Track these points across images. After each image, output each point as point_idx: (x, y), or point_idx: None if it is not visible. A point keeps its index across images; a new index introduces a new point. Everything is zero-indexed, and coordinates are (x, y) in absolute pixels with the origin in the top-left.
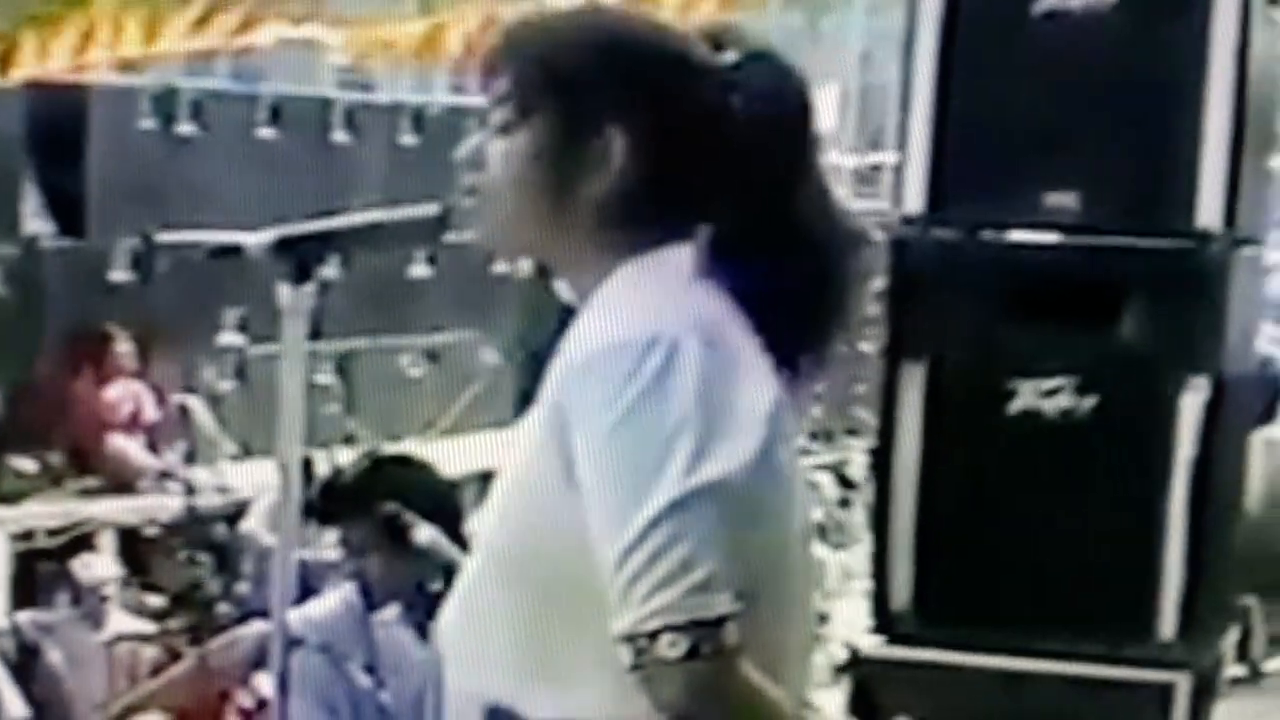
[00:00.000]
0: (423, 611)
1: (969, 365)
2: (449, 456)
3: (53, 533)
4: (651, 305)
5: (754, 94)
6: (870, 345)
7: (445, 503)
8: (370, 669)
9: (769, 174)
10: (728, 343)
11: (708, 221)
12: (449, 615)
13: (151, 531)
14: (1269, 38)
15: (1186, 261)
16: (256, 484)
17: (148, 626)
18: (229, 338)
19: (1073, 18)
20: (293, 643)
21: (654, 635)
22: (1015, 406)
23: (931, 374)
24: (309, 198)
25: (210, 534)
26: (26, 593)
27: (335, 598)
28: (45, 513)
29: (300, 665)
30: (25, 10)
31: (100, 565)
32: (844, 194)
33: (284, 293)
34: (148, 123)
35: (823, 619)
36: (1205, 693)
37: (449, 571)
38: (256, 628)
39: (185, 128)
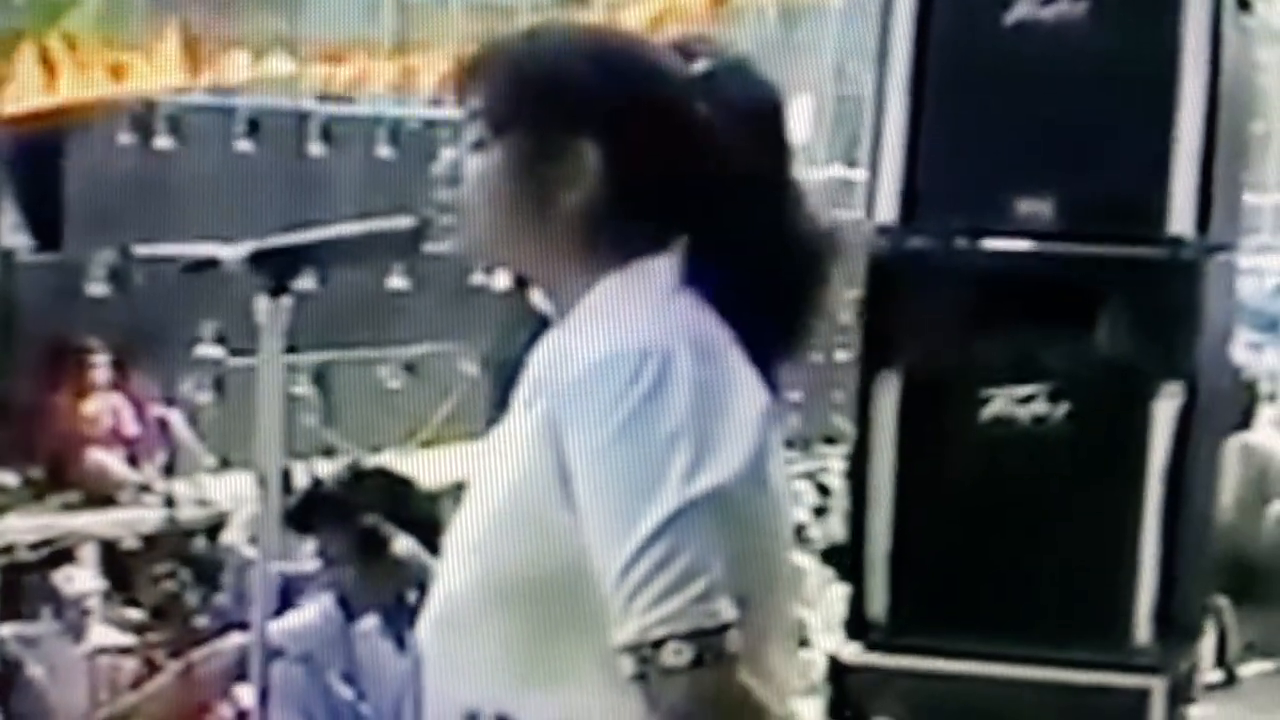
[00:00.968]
0: (401, 622)
1: (943, 373)
2: (428, 468)
3: (33, 546)
4: (639, 318)
5: (727, 104)
6: (846, 353)
7: (424, 514)
8: (350, 679)
9: (744, 184)
10: (717, 352)
11: (684, 232)
12: (431, 625)
13: (131, 545)
14: (1241, 44)
15: (1160, 268)
16: (236, 496)
17: (128, 639)
18: (207, 350)
19: (1045, 27)
20: (273, 654)
21: (658, 644)
22: (989, 413)
23: (906, 382)
24: (286, 210)
25: (190, 547)
26: (7, 607)
27: (315, 609)
28: (25, 527)
29: (280, 676)
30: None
31: (82, 578)
32: (821, 203)
33: (261, 305)
34: (125, 137)
35: (801, 626)
36: (1180, 698)
37: (427, 582)
38: (236, 640)
39: (162, 141)
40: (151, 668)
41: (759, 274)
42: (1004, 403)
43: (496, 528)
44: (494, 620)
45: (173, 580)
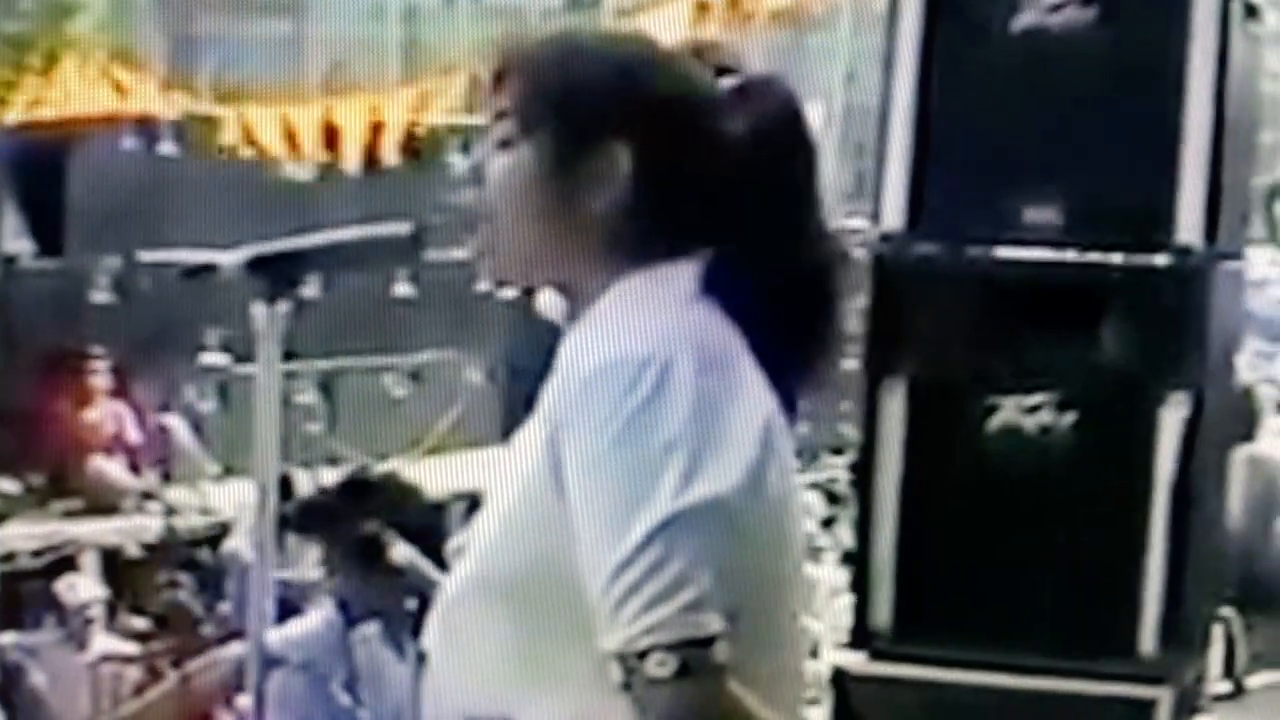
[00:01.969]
0: (401, 629)
1: (950, 381)
2: (433, 476)
3: (35, 554)
4: (646, 324)
5: (756, 120)
6: (853, 362)
7: (424, 522)
8: (350, 687)
9: (769, 195)
10: (722, 362)
11: (709, 240)
12: (434, 629)
13: (134, 553)
14: (1249, 52)
15: (1167, 277)
16: (239, 504)
17: (131, 648)
18: (211, 358)
19: (1051, 34)
20: (274, 662)
21: (644, 654)
22: (996, 422)
23: (912, 390)
24: (292, 217)
25: (193, 555)
26: (9, 614)
27: (316, 617)
28: (27, 534)
29: (281, 684)
30: None
31: (85, 587)
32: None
33: (258, 312)
34: (129, 142)
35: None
36: (1187, 708)
37: (427, 590)
38: (238, 648)
39: (167, 147)
40: (154, 676)
41: (781, 284)
42: (1011, 411)
43: (499, 532)
44: (494, 624)
45: (176, 588)
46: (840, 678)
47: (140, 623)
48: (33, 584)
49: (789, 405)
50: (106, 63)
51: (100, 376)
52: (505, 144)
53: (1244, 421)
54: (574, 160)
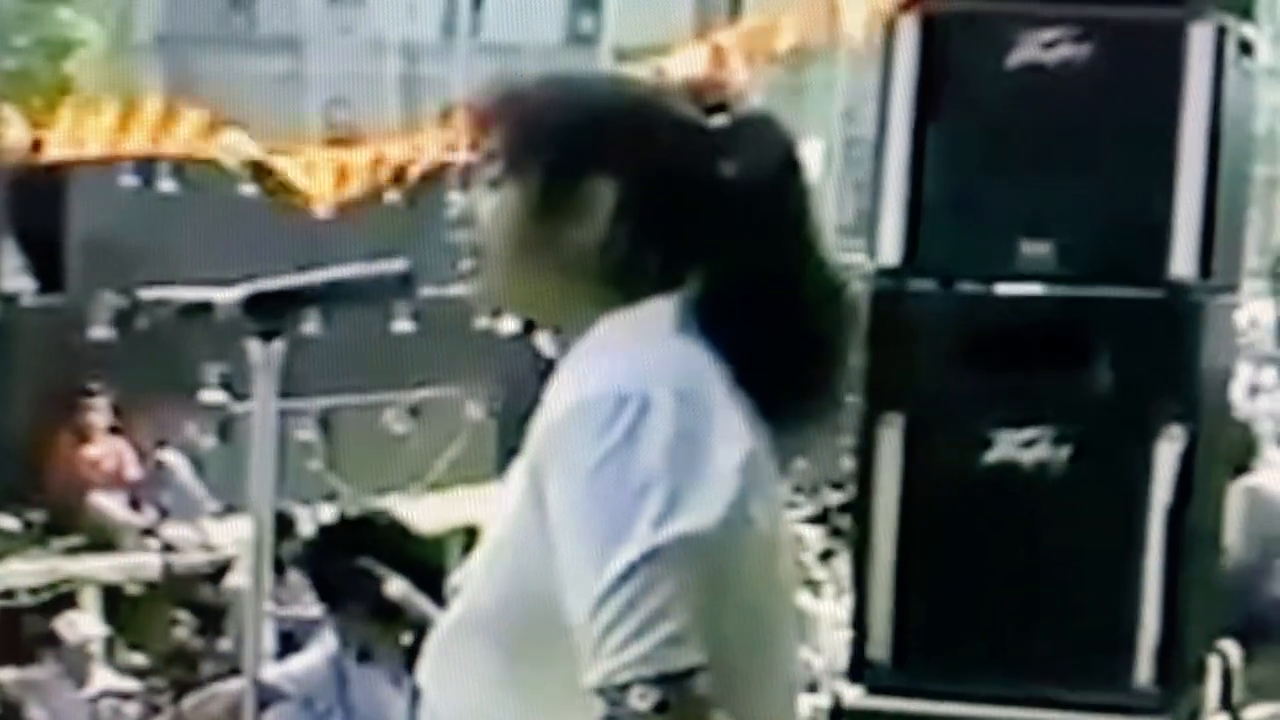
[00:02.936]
0: (397, 663)
1: (946, 416)
2: (433, 512)
3: (34, 590)
4: (627, 360)
5: (744, 153)
6: (851, 396)
7: (420, 558)
8: None
9: (756, 232)
10: (702, 397)
11: (694, 276)
12: (428, 665)
13: (134, 589)
14: (1242, 87)
15: (1161, 311)
16: (239, 541)
17: (131, 684)
18: (211, 395)
19: (1047, 70)
20: (275, 697)
21: (624, 687)
22: (992, 457)
23: (909, 424)
24: (292, 254)
25: (193, 591)
26: (9, 651)
27: (316, 652)
28: (27, 571)
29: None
30: None
31: (84, 624)
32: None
33: (253, 349)
34: (128, 179)
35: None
36: None
37: (422, 625)
38: (235, 684)
39: (166, 185)
40: (154, 712)
41: (770, 321)
42: (1006, 446)
43: (488, 568)
44: (486, 658)
45: (176, 625)
46: (838, 712)
47: (140, 659)
48: (32, 620)
49: (784, 439)
50: (104, 100)
51: (100, 414)
52: (494, 184)
53: (1242, 454)
54: (559, 198)
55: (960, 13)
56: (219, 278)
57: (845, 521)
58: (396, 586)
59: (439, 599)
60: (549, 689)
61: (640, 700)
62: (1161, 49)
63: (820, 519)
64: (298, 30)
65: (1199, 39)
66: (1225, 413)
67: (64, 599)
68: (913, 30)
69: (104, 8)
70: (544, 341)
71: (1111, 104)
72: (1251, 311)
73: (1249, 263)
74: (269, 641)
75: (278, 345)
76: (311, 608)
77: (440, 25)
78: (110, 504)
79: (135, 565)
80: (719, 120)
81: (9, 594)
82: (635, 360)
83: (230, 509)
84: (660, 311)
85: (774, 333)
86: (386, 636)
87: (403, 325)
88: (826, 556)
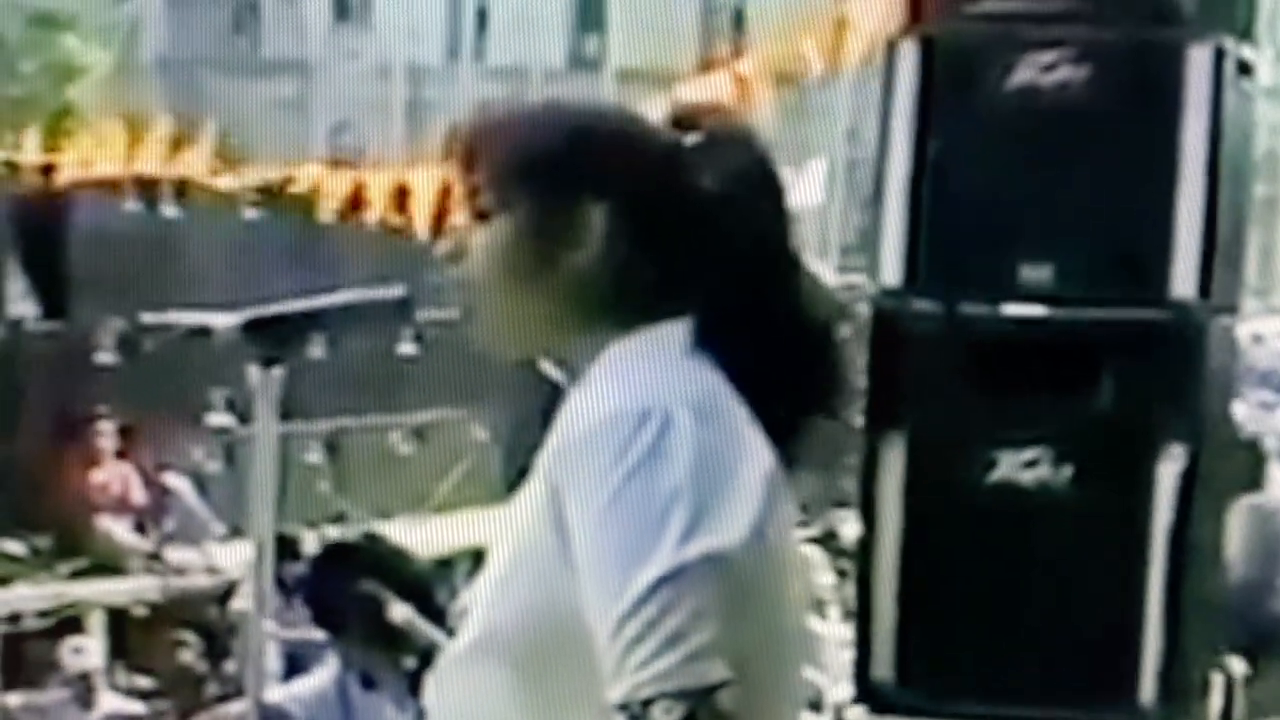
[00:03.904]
0: (402, 687)
1: (948, 436)
2: (439, 534)
3: (41, 614)
4: (644, 380)
5: (723, 172)
6: (854, 417)
7: (420, 581)
8: None
9: (743, 252)
10: (721, 416)
11: (690, 298)
12: (438, 687)
13: (140, 612)
14: (1241, 107)
15: (1162, 332)
16: (246, 564)
17: (137, 707)
18: (217, 419)
19: (1047, 92)
20: (281, 719)
21: (649, 703)
22: (994, 477)
23: (911, 445)
24: (296, 278)
25: (198, 614)
26: (15, 675)
27: (322, 675)
28: (33, 595)
29: None
30: None
31: (91, 652)
32: (828, 267)
33: (253, 374)
34: (131, 204)
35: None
36: None
37: (427, 648)
38: (240, 706)
39: (169, 209)
40: None
41: (766, 340)
42: (1008, 466)
43: (499, 590)
44: (497, 681)
45: (181, 648)
46: None
47: (145, 682)
48: (39, 644)
49: (788, 459)
50: (108, 125)
51: (106, 437)
52: (482, 217)
53: (1249, 471)
54: (550, 225)
55: (960, 35)
56: (223, 302)
57: (849, 541)
58: (400, 611)
59: (440, 622)
60: (567, 709)
61: (665, 715)
62: (1160, 70)
63: (825, 539)
64: (302, 54)
65: (1198, 60)
66: (1228, 431)
67: (69, 623)
68: (913, 52)
69: (110, 31)
70: (548, 364)
71: (1111, 125)
72: (1254, 328)
73: (1249, 281)
74: (274, 664)
75: (277, 371)
76: (316, 630)
77: (445, 49)
78: (116, 527)
79: (141, 588)
80: (694, 136)
81: (15, 618)
82: (653, 380)
83: (236, 531)
84: (669, 335)
85: (774, 350)
86: (390, 661)
87: (407, 348)
88: (832, 576)
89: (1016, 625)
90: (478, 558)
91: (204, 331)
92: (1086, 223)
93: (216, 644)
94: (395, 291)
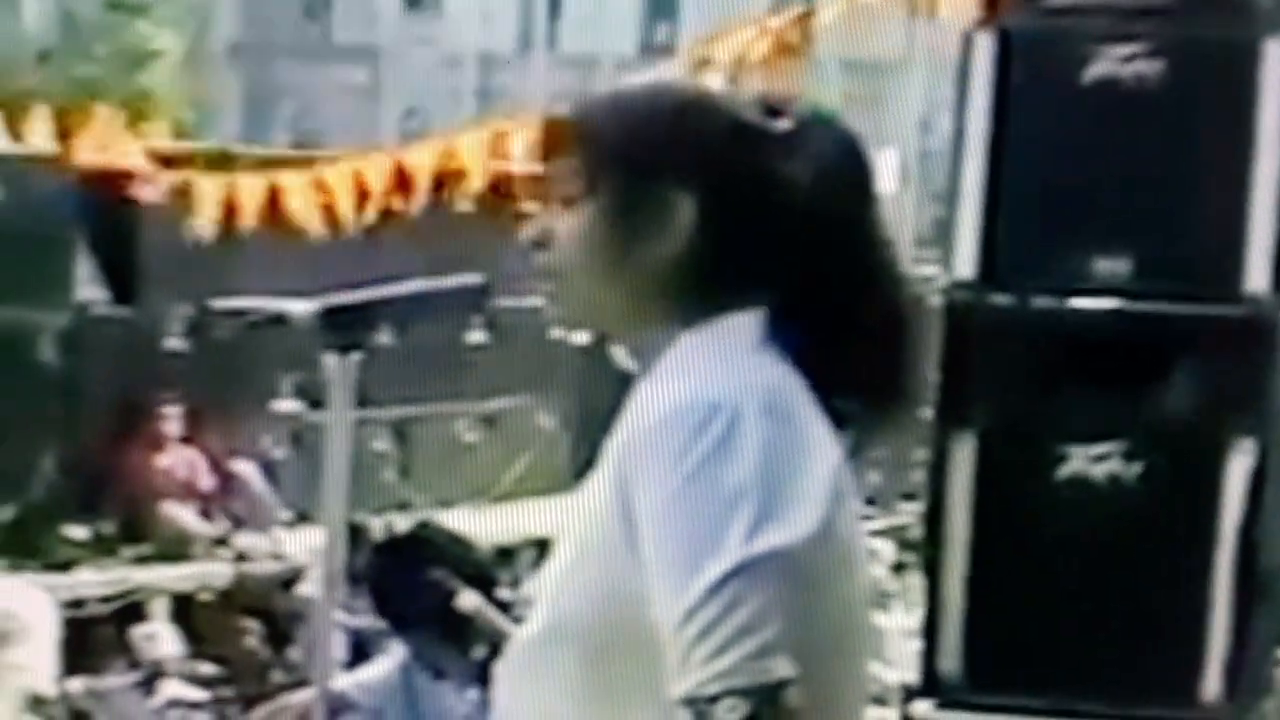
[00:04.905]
0: (468, 675)
1: (1020, 430)
2: (505, 522)
3: (105, 599)
4: (714, 373)
5: (813, 160)
6: (925, 409)
7: (483, 570)
8: None
9: (830, 239)
10: (790, 411)
11: (772, 287)
12: (505, 676)
13: (205, 598)
14: None
15: (1235, 326)
16: (311, 550)
17: (199, 694)
18: (285, 405)
19: (1122, 86)
20: (346, 708)
21: (714, 699)
22: (1064, 472)
23: (982, 438)
24: (366, 264)
25: (264, 600)
26: (78, 660)
27: (387, 662)
28: (97, 580)
29: None
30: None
31: (164, 640)
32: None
33: (329, 362)
34: None
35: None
36: None
37: (495, 637)
38: (305, 694)
39: None
40: None
41: (844, 330)
42: (1079, 461)
43: (568, 579)
44: (564, 671)
45: (245, 634)
46: None
47: (209, 668)
48: (102, 630)
49: (856, 450)
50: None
51: (172, 423)
52: (570, 202)
53: None
54: (637, 213)
55: (1036, 28)
56: (293, 288)
57: (917, 534)
58: (469, 599)
59: (504, 610)
60: (632, 700)
61: (729, 713)
62: (1235, 65)
63: (892, 532)
64: (374, 40)
65: (1273, 55)
66: None
67: (133, 608)
68: (989, 44)
69: (183, 17)
70: (618, 353)
71: (1186, 119)
72: None
73: None
74: (340, 651)
75: (354, 358)
76: (379, 619)
77: (517, 37)
78: (181, 513)
79: (205, 574)
80: (783, 124)
81: (79, 603)
82: (723, 373)
83: (303, 518)
84: (742, 326)
85: (850, 341)
86: (459, 651)
87: (476, 336)
88: (898, 569)
89: (1083, 619)
90: (541, 547)
91: (279, 319)
92: (1160, 217)
93: (280, 630)
94: (473, 279)
